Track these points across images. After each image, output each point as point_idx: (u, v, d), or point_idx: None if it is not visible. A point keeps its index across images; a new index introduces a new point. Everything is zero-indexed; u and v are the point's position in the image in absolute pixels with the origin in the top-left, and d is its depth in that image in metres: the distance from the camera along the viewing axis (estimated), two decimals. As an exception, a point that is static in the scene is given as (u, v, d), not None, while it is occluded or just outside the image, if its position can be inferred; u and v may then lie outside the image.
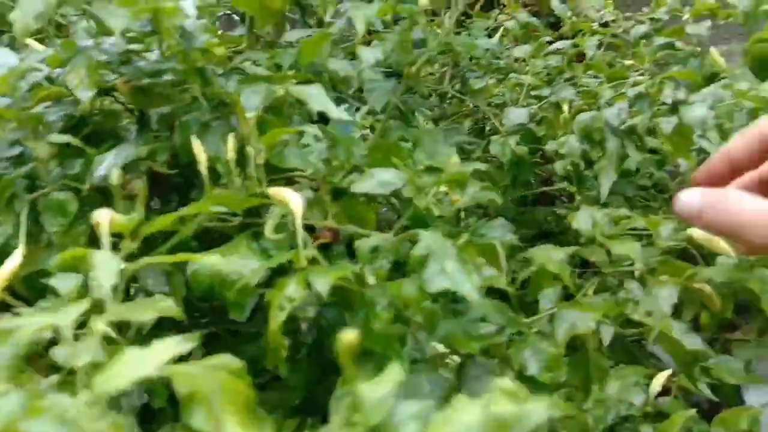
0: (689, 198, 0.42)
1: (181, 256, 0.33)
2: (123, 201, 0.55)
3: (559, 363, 0.45)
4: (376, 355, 0.46)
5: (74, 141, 0.49)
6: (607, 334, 0.80)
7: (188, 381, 0.26)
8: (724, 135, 0.80)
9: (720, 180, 0.44)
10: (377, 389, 0.22)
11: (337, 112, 0.44)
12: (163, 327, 0.63)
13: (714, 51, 0.92)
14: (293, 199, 0.42)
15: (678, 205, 0.42)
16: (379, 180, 0.45)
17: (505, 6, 1.36)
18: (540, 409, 0.19)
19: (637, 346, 1.01)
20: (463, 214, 1.06)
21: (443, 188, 0.48)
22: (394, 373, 0.22)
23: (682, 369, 0.67)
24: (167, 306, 0.36)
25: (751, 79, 0.89)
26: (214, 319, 0.67)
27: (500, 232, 0.71)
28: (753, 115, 0.86)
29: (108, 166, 0.46)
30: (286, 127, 0.52)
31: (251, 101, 0.45)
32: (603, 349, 0.84)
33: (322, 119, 0.59)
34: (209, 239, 0.51)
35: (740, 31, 1.34)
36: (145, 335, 0.52)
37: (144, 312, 0.36)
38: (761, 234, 0.38)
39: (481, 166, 0.83)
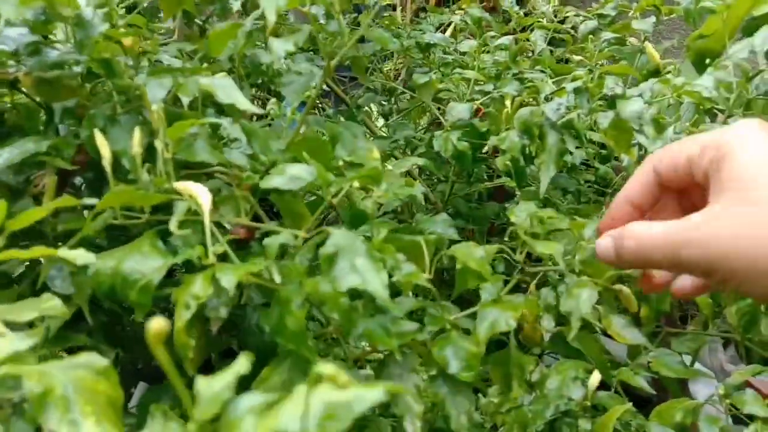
0: (603, 243, 0.45)
1: (39, 251, 0.32)
2: (30, 199, 0.53)
3: (477, 360, 0.45)
4: (291, 353, 0.45)
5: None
6: (549, 327, 0.80)
7: (40, 379, 0.24)
8: (660, 130, 0.80)
9: (625, 224, 0.45)
10: (213, 383, 0.21)
11: (245, 104, 0.43)
12: (79, 329, 0.61)
13: (649, 46, 0.92)
14: (201, 194, 0.41)
15: (598, 252, 0.46)
16: (290, 175, 0.44)
17: (460, 1, 1.36)
18: (368, 395, 0.18)
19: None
20: (415, 209, 1.06)
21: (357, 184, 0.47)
22: (237, 366, 0.21)
23: (600, 367, 0.67)
24: (51, 305, 0.34)
25: (692, 73, 0.90)
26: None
27: (441, 227, 0.70)
28: (697, 110, 0.87)
29: (4, 161, 0.44)
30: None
31: (157, 93, 0.43)
32: (544, 343, 0.85)
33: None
34: (118, 238, 0.49)
35: (684, 26, 1.36)
36: (54, 338, 0.50)
37: (27, 312, 0.34)
38: (666, 252, 0.39)
39: (420, 161, 0.83)
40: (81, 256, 0.33)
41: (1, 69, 0.49)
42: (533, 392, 0.82)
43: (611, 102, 0.83)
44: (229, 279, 0.37)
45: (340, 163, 0.52)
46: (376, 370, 0.45)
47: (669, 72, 1.03)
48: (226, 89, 0.43)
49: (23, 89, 0.52)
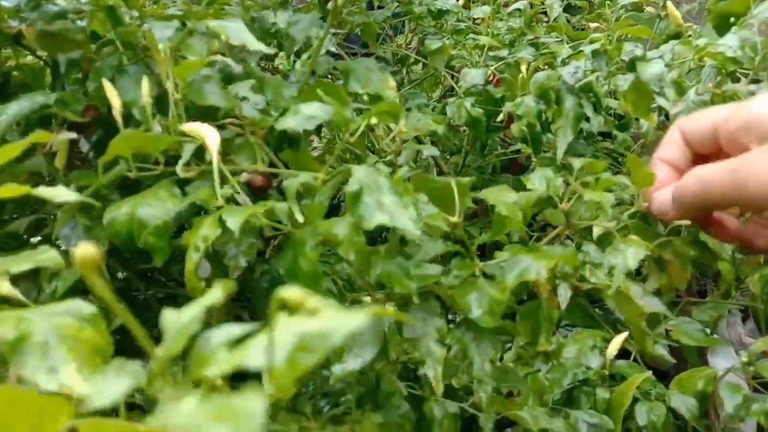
0: (660, 195, 0.48)
1: (10, 189, 0.30)
2: (41, 158, 0.52)
3: (500, 307, 0.43)
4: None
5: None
6: (565, 295, 0.78)
7: (17, 324, 0.23)
8: (682, 92, 0.77)
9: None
10: (181, 315, 0.19)
11: (256, 44, 0.41)
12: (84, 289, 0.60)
13: (671, 5, 0.89)
14: (209, 134, 0.39)
15: (655, 205, 0.49)
16: (305, 115, 0.42)
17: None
18: (346, 322, 0.16)
19: (598, 311, 0.99)
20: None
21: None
22: (208, 297, 0.19)
23: (636, 332, 0.65)
24: (48, 256, 0.33)
25: (713, 36, 0.87)
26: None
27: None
28: (716, 74, 0.84)
29: (10, 116, 0.43)
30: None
31: (164, 33, 0.42)
32: (561, 311, 0.83)
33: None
34: (129, 192, 0.48)
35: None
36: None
37: (23, 263, 0.33)
38: (731, 187, 0.40)
39: (437, 127, 0.81)
40: (61, 194, 0.32)
41: (3, 23, 0.48)
42: (550, 362, 0.81)
43: (631, 65, 0.81)
44: (234, 220, 0.36)
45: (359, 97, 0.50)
46: (396, 312, 0.44)
47: (690, 36, 1.00)
48: (236, 31, 0.41)
49: (27, 45, 0.50)
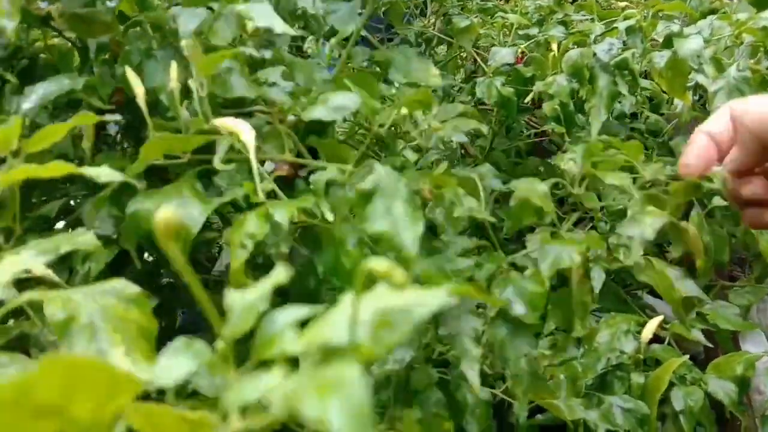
0: (697, 139, 0.44)
1: (57, 167, 0.29)
2: (69, 141, 0.51)
3: (542, 300, 0.42)
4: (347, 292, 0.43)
5: (5, 74, 0.44)
6: (599, 279, 0.77)
7: (64, 306, 0.22)
8: (721, 69, 0.75)
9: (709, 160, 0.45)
10: (245, 295, 0.18)
11: (282, 26, 0.40)
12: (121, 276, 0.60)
13: (711, -22, 0.86)
14: (243, 129, 0.38)
15: (690, 154, 0.45)
16: (333, 105, 0.41)
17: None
18: (429, 299, 0.15)
19: (631, 296, 0.98)
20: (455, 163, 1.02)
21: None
22: (272, 278, 0.18)
23: (675, 312, 0.63)
24: (85, 239, 0.32)
25: (750, 10, 0.84)
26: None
27: (485, 179, 0.67)
28: (754, 52, 0.81)
29: (37, 98, 0.42)
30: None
31: (189, 24, 0.40)
32: (594, 296, 0.82)
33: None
34: (159, 177, 0.48)
35: (741, -35, 1.28)
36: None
37: (61, 245, 0.32)
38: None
39: (464, 108, 0.79)
40: (105, 173, 0.31)
41: (32, 4, 0.47)
42: (582, 347, 0.80)
43: (667, 41, 0.78)
44: (282, 214, 0.35)
45: (393, 90, 0.49)
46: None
47: (725, 12, 0.96)
48: (264, 13, 0.40)
49: (56, 26, 0.49)
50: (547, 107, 0.83)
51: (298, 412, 0.13)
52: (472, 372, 0.40)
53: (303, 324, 0.18)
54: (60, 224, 0.56)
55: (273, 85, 0.49)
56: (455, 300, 0.15)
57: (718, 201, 0.73)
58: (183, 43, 0.40)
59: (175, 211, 0.16)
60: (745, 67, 0.72)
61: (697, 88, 0.85)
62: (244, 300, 0.18)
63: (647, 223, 0.44)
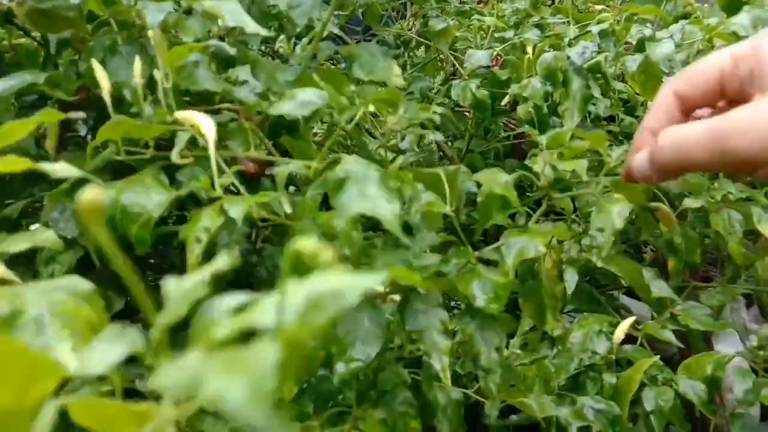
0: (638, 157, 0.44)
1: (11, 162, 0.29)
2: (32, 140, 0.51)
3: (506, 291, 0.42)
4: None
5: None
6: (572, 280, 0.77)
7: (11, 299, 0.22)
8: (692, 72, 0.76)
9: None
10: (183, 283, 0.18)
11: (253, 26, 0.40)
12: (87, 277, 0.59)
13: (681, -18, 0.87)
14: (204, 123, 0.38)
15: (633, 168, 0.44)
16: (300, 101, 0.41)
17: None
18: (362, 281, 0.15)
19: (606, 297, 0.98)
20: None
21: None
22: (213, 265, 0.18)
23: (640, 290, 0.63)
24: (45, 237, 0.32)
25: (721, 15, 0.85)
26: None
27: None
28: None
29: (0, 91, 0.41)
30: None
31: (155, 17, 0.40)
32: (567, 295, 0.82)
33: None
34: (122, 175, 0.47)
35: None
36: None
37: (20, 243, 0.32)
38: (710, 146, 0.37)
39: (440, 109, 0.79)
40: (61, 168, 0.31)
41: (-5, 0, 0.46)
42: (555, 348, 0.80)
43: (640, 45, 0.79)
44: (236, 210, 0.35)
45: (353, 88, 0.49)
46: (398, 306, 0.43)
47: (697, 17, 0.98)
48: (233, 12, 0.40)
49: (18, 23, 0.49)
50: (521, 110, 0.83)
51: (200, 393, 0.13)
52: (440, 365, 0.40)
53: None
54: (34, 227, 0.55)
55: (243, 84, 0.49)
56: (382, 286, 0.15)
57: (689, 202, 0.73)
58: (149, 33, 0.40)
59: (99, 192, 0.16)
60: (715, 70, 0.73)
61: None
62: (181, 287, 0.18)
63: (615, 212, 0.45)
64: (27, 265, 0.49)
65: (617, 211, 0.45)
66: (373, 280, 0.15)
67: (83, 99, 0.47)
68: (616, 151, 0.48)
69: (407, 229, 0.50)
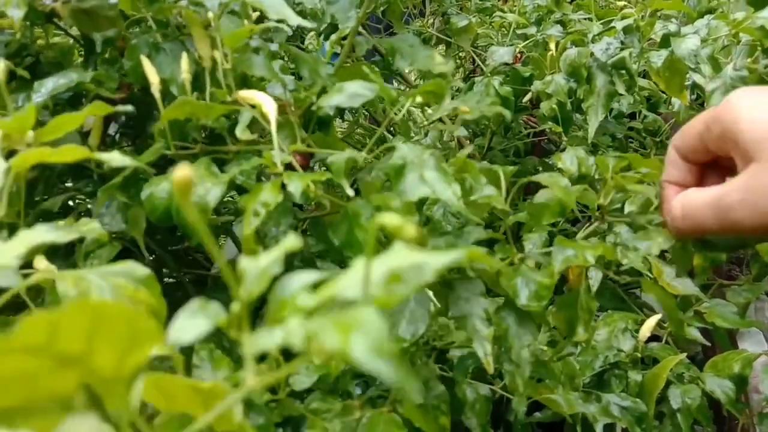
0: (665, 220, 0.47)
1: (70, 150, 0.29)
2: (77, 135, 0.51)
3: (548, 292, 0.43)
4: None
5: (14, 68, 0.45)
6: (596, 279, 0.77)
7: (75, 284, 0.23)
8: (718, 69, 0.75)
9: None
10: (258, 261, 0.19)
11: (295, 19, 0.41)
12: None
13: (709, -22, 0.87)
14: (265, 102, 0.39)
15: (669, 225, 0.47)
16: (349, 93, 0.42)
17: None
18: (441, 257, 0.15)
19: (629, 294, 0.98)
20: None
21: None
22: (286, 243, 0.19)
23: (670, 315, 0.64)
24: (91, 227, 0.32)
25: (747, 10, 0.85)
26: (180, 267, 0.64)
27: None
28: (751, 51, 0.82)
29: (47, 92, 0.42)
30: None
31: (213, 2, 0.41)
32: (592, 295, 0.82)
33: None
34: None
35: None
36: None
37: (67, 233, 0.32)
38: (717, 218, 0.40)
39: (501, 110, 0.79)
40: (116, 158, 0.31)
41: (37, 1, 0.47)
42: (580, 346, 0.80)
43: (665, 40, 0.79)
44: (296, 185, 0.36)
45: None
46: (441, 292, 0.43)
47: (722, 12, 0.97)
48: (274, 6, 0.41)
49: (60, 23, 0.50)
50: (544, 107, 0.83)
51: (320, 346, 0.13)
52: (483, 351, 0.41)
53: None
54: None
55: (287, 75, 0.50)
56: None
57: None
58: (209, 14, 0.40)
59: (190, 170, 0.17)
60: (742, 66, 0.73)
61: (695, 87, 0.86)
62: (257, 265, 0.19)
63: (657, 242, 0.46)
64: (65, 258, 0.50)
65: (660, 242, 0.46)
66: (451, 258, 0.15)
67: (125, 97, 0.47)
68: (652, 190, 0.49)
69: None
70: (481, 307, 0.42)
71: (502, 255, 0.43)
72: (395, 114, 0.42)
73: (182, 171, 0.16)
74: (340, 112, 0.86)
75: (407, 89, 0.67)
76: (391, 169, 0.38)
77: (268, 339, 0.17)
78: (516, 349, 0.43)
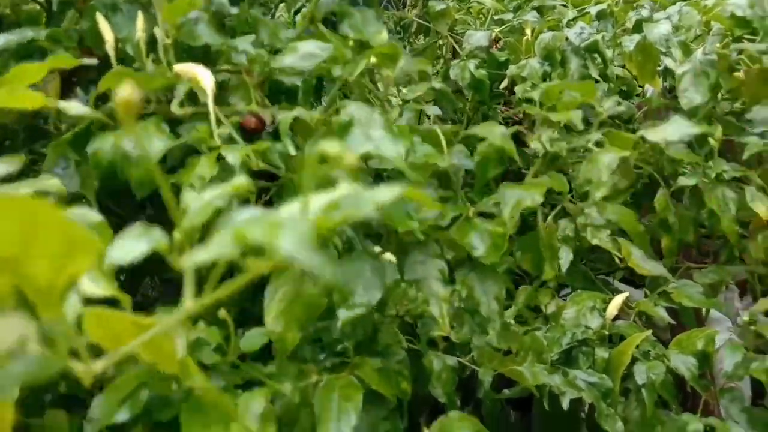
0: None
1: (30, 97, 0.29)
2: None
3: (504, 240, 0.43)
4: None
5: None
6: (566, 258, 0.78)
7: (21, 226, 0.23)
8: (688, 53, 0.76)
9: None
10: (203, 195, 0.19)
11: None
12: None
13: (679, -36, 0.88)
14: (203, 75, 0.39)
15: None
16: (302, 53, 0.42)
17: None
18: (379, 193, 0.16)
19: (600, 281, 0.99)
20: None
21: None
22: (232, 182, 0.19)
23: (637, 238, 0.64)
24: (51, 183, 0.32)
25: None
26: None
27: (457, 158, 0.68)
28: (722, 38, 0.83)
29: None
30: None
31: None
32: (562, 274, 0.83)
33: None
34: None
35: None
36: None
37: (24, 188, 0.32)
38: None
39: (438, 85, 0.80)
40: (74, 107, 0.31)
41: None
42: (549, 324, 0.81)
43: (637, 26, 0.80)
44: (234, 156, 0.36)
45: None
46: (397, 255, 0.44)
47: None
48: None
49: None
50: (519, 90, 0.84)
51: (248, 241, 0.13)
52: (439, 311, 0.41)
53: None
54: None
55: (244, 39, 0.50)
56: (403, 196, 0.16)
57: (684, 181, 0.74)
58: None
59: (134, 88, 0.17)
60: (711, 51, 0.74)
61: (666, 74, 0.87)
62: (201, 198, 0.19)
63: (603, 164, 0.46)
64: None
65: (606, 162, 0.46)
66: (387, 194, 0.16)
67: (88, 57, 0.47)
68: (607, 102, 0.49)
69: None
70: (436, 269, 0.42)
71: (455, 212, 0.44)
72: (349, 76, 0.43)
73: (125, 90, 0.16)
74: (317, 90, 0.86)
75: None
76: (337, 126, 0.38)
77: (204, 253, 0.18)
78: (484, 304, 0.43)
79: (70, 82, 0.51)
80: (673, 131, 0.52)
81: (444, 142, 0.44)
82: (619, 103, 1.03)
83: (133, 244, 0.20)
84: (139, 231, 0.19)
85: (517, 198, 0.43)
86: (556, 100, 0.51)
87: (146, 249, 0.19)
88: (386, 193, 0.17)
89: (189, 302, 0.20)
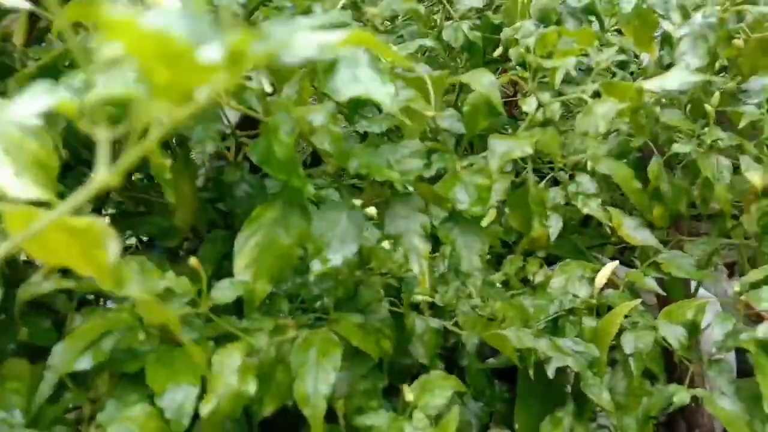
0: None
1: None
2: None
3: (488, 193, 0.41)
4: (283, 189, 0.41)
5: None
6: (556, 226, 0.76)
7: None
8: (687, 16, 0.74)
9: None
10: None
11: None
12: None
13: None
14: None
15: None
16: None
17: None
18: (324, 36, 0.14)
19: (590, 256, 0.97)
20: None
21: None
22: None
23: (635, 196, 0.62)
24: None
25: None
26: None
27: (449, 121, 0.66)
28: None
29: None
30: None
31: None
32: (550, 244, 0.81)
33: None
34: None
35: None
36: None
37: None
38: None
39: (430, 42, 0.77)
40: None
41: None
42: (536, 292, 0.79)
43: (635, -12, 0.77)
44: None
45: None
46: (379, 209, 0.42)
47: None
48: None
49: None
50: (513, 53, 0.81)
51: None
52: (419, 267, 0.39)
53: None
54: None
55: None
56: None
57: (678, 147, 0.72)
58: None
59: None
60: (711, 13, 0.72)
61: (663, 42, 0.85)
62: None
63: (599, 113, 0.44)
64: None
65: (602, 111, 0.44)
66: (337, 37, 0.14)
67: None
68: (606, 53, 0.47)
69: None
70: (418, 223, 0.41)
71: (441, 164, 0.42)
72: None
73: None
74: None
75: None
76: (320, 66, 0.35)
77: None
78: (466, 259, 0.41)
79: (34, 24, 0.48)
80: (672, 79, 0.50)
81: (432, 90, 0.42)
82: (614, 75, 1.01)
83: (36, 98, 0.18)
84: (43, 87, 0.18)
85: (505, 148, 0.41)
86: (552, 47, 0.49)
87: (52, 102, 0.17)
88: (335, 36, 0.15)
89: (102, 171, 0.18)
